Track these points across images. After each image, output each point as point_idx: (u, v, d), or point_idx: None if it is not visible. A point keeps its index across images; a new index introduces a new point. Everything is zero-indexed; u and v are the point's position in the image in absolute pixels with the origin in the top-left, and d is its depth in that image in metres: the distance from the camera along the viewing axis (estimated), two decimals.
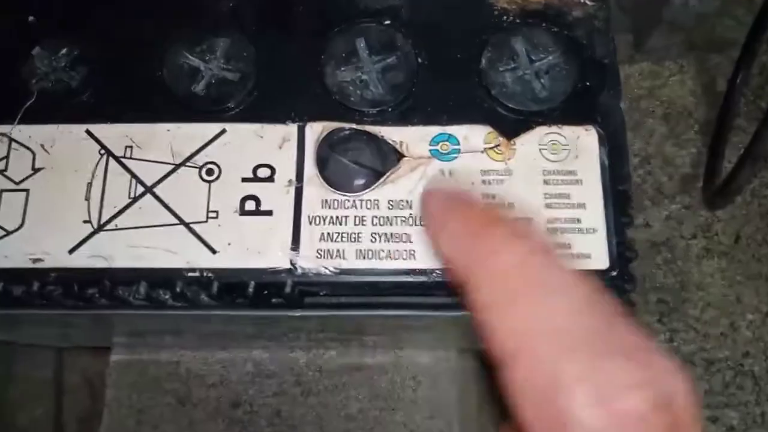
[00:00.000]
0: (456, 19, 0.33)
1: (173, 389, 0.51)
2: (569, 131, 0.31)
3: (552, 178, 0.30)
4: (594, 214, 0.30)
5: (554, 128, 0.31)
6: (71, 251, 0.30)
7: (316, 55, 0.32)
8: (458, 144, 0.31)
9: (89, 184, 0.31)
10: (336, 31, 0.33)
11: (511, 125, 0.31)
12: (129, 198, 0.30)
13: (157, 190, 0.31)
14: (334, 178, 0.30)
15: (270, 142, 0.31)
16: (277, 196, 0.30)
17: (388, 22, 0.33)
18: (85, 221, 0.30)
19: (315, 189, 0.30)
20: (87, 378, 0.54)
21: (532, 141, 0.31)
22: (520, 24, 0.33)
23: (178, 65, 0.32)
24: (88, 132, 0.31)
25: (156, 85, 0.32)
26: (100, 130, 0.31)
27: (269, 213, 0.30)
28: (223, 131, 0.31)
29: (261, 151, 0.31)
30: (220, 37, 0.32)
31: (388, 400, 0.51)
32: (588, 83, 0.32)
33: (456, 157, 0.30)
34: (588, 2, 0.33)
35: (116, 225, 0.30)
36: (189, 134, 0.31)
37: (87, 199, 0.30)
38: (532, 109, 0.31)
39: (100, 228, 0.30)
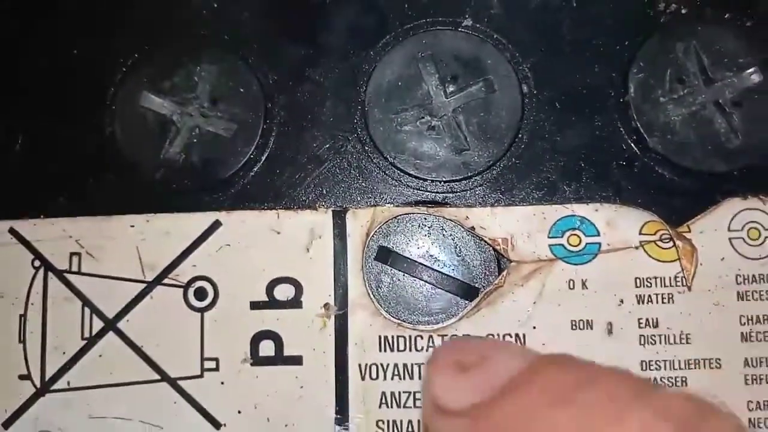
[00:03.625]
0: (580, 14, 0.20)
1: None
2: None
3: (752, 290, 0.18)
4: None
5: (753, 201, 0.19)
6: (6, 425, 0.20)
7: (355, 85, 0.20)
8: (597, 235, 0.19)
9: (23, 318, 0.20)
10: (384, 42, 0.20)
11: (681, 199, 0.19)
12: (83, 338, 0.20)
13: (122, 325, 0.20)
14: (396, 300, 0.19)
15: (291, 241, 0.20)
16: (308, 331, 0.19)
17: (469, 23, 0.20)
18: (22, 377, 0.20)
19: (367, 319, 0.19)
20: None
21: (719, 226, 0.19)
22: (686, 18, 0.20)
23: (138, 115, 0.20)
24: (12, 232, 0.20)
25: (106, 150, 0.20)
26: (30, 229, 0.20)
27: (297, 361, 0.19)
28: (216, 224, 0.20)
29: (278, 257, 0.20)
30: (204, 65, 0.20)
31: None
32: None
33: (594, 258, 0.19)
34: None
35: (68, 383, 0.20)
36: (164, 232, 0.20)
37: (22, 341, 0.20)
38: (717, 169, 0.19)
39: (46, 388, 0.20)
